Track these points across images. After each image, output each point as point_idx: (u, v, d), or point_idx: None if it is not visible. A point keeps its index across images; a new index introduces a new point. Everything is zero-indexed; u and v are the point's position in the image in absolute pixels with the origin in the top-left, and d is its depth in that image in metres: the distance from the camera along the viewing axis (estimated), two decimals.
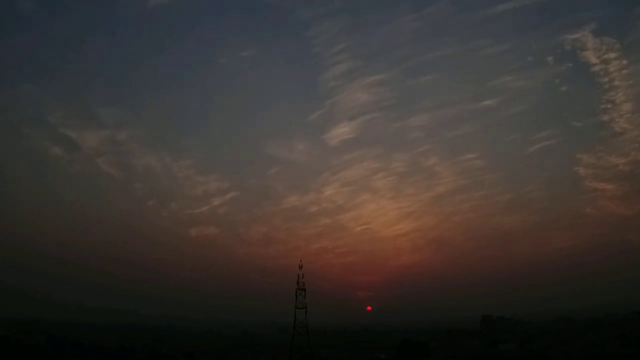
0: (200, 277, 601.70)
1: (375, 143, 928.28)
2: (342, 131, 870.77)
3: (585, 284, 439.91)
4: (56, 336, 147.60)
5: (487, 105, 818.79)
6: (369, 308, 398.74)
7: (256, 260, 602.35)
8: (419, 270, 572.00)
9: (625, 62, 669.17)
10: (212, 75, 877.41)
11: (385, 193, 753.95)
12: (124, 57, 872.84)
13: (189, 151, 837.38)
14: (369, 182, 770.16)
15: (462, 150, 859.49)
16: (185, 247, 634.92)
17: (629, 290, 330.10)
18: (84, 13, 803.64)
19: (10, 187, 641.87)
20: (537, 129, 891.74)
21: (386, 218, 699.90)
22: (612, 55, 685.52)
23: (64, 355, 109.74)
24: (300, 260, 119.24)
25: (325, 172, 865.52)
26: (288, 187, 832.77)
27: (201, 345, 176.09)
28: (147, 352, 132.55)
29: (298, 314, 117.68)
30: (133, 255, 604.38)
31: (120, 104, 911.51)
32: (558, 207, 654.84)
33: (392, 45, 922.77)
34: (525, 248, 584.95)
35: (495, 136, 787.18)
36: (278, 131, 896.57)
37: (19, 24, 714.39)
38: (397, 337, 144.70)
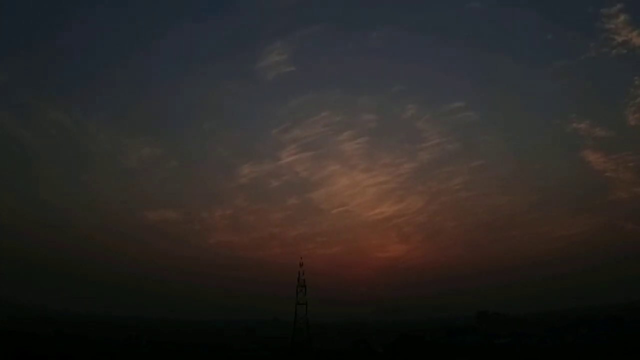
0: (176, 271, 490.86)
1: (328, 78, 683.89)
2: (277, 59, 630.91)
3: (585, 279, 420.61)
4: (64, 331, 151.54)
5: (475, 9, 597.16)
6: (369, 308, 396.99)
7: (232, 252, 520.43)
8: (408, 262, 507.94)
9: None
10: None
11: (358, 162, 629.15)
12: None
13: (92, 92, 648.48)
14: (333, 145, 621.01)
15: (448, 94, 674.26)
16: (148, 236, 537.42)
17: (625, 284, 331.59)
18: None
19: None
20: (546, 59, 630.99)
21: (364, 198, 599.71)
22: None
23: (74, 348, 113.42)
24: (301, 258, 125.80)
25: (273, 129, 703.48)
26: (235, 152, 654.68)
27: (204, 339, 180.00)
28: (152, 345, 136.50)
29: (298, 310, 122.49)
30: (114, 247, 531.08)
31: None
32: (562, 186, 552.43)
33: None
34: (523, 237, 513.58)
35: (490, 68, 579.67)
36: (189, 58, 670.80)
37: None
38: (394, 332, 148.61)
